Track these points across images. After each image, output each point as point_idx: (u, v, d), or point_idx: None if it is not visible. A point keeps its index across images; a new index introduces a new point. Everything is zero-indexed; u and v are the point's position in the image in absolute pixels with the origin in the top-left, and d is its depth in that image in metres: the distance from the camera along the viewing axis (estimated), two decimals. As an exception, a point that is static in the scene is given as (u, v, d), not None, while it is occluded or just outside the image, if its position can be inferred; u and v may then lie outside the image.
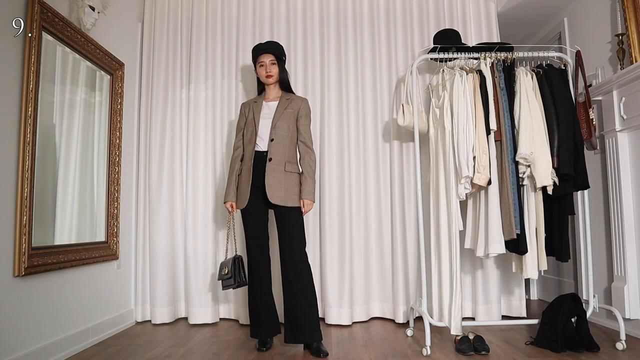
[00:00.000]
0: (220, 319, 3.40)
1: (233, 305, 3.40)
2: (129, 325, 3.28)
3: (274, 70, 2.74)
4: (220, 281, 2.75)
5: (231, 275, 2.67)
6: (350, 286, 3.26)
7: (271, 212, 2.85)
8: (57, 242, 2.51)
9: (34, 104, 2.30)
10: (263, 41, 3.48)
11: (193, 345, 2.74)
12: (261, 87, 2.85)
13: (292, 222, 2.59)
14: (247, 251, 2.70)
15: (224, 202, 2.73)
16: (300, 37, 3.52)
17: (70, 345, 2.56)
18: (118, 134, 3.17)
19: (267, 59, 2.73)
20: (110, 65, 3.09)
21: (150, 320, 3.37)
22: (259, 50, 2.76)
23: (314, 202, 2.68)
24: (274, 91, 2.80)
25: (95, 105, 2.94)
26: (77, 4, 2.73)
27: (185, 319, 3.42)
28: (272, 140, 2.63)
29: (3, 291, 2.11)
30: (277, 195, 2.57)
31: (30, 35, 2.27)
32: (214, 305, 3.32)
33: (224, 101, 3.50)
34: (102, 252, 2.94)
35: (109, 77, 3.09)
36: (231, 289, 2.84)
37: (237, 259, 2.69)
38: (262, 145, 2.67)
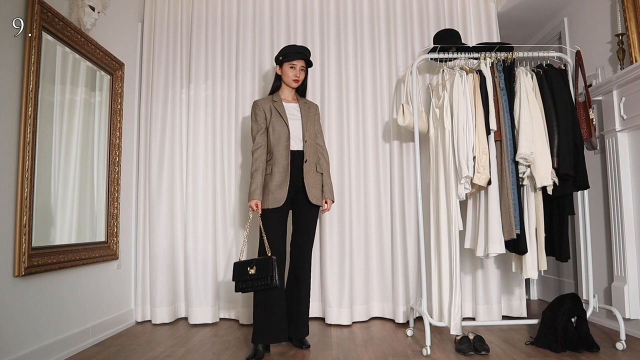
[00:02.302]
0: (220, 319, 3.40)
1: (233, 305, 3.40)
2: (129, 325, 3.28)
3: (302, 76, 2.79)
4: (236, 283, 2.50)
5: (269, 272, 2.41)
6: (350, 286, 3.27)
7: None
8: (57, 242, 2.51)
9: (34, 104, 2.30)
10: (263, 41, 3.50)
11: (193, 345, 2.74)
12: (276, 86, 2.84)
13: (313, 220, 2.76)
14: (271, 252, 2.59)
15: (250, 200, 2.58)
16: (300, 37, 3.53)
17: (70, 345, 2.56)
18: (118, 134, 3.17)
19: (300, 63, 2.77)
20: (110, 65, 3.09)
21: (150, 320, 3.37)
22: (295, 53, 2.75)
23: (332, 201, 2.86)
24: (291, 93, 2.84)
25: (95, 105, 2.94)
26: (77, 4, 2.73)
27: (185, 319, 3.42)
28: (306, 141, 2.72)
29: (3, 291, 2.11)
30: (314, 195, 2.72)
31: (30, 35, 2.27)
32: (214, 305, 3.32)
33: (224, 101, 3.50)
34: (102, 252, 2.94)
35: (109, 77, 3.09)
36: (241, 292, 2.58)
37: (273, 259, 2.45)
38: (295, 145, 2.71)
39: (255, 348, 2.50)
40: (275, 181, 2.63)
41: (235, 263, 2.53)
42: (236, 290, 2.50)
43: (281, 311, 2.56)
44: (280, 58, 2.78)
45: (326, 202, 2.81)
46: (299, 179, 2.69)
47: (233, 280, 2.51)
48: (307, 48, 2.83)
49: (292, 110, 2.78)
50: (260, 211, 2.60)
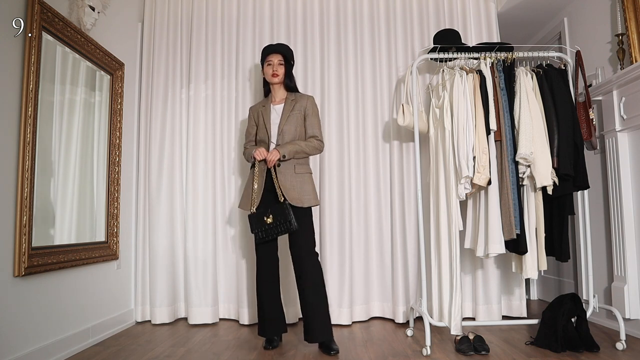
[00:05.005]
0: (220, 319, 3.40)
1: (233, 305, 3.40)
2: (129, 325, 3.28)
3: (281, 70, 2.76)
4: (256, 234, 2.59)
5: (288, 217, 2.52)
6: (350, 286, 3.26)
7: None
8: (57, 242, 2.51)
9: (34, 104, 2.30)
10: (263, 41, 3.50)
11: (193, 345, 2.74)
12: (267, 89, 2.88)
13: (301, 222, 2.60)
14: (257, 252, 2.71)
15: (254, 152, 2.63)
16: (300, 37, 3.52)
17: (70, 345, 2.56)
18: (118, 134, 3.17)
19: (276, 58, 2.77)
20: (110, 65, 3.09)
21: (150, 320, 3.37)
22: (268, 50, 2.79)
23: (281, 156, 2.59)
24: (279, 93, 2.82)
25: (95, 105, 2.94)
26: (77, 4, 2.73)
27: (185, 319, 3.42)
28: (279, 144, 2.68)
29: (3, 291, 2.11)
30: (292, 197, 2.60)
31: (30, 35, 2.27)
32: (213, 305, 3.32)
33: (224, 101, 3.50)
34: (102, 252, 2.94)
35: (109, 77, 3.09)
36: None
37: (287, 204, 2.55)
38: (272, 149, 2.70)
39: (267, 338, 2.69)
40: (255, 186, 2.67)
41: (250, 215, 2.63)
42: (257, 242, 2.62)
43: (274, 309, 2.70)
44: (261, 61, 2.83)
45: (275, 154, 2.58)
46: (272, 182, 2.66)
47: (252, 232, 2.61)
48: (282, 44, 2.82)
49: (275, 114, 2.77)
50: (267, 154, 2.59)
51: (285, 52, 2.77)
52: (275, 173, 2.63)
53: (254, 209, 2.64)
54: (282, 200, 2.59)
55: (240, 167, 3.44)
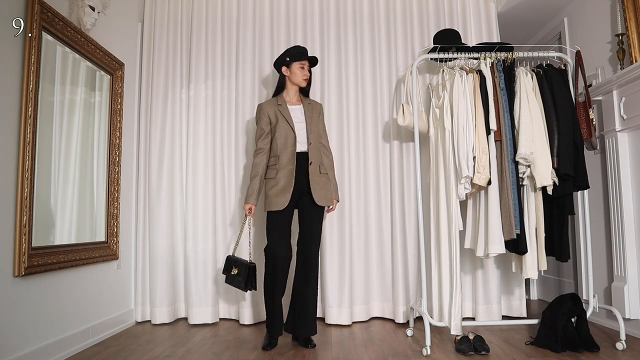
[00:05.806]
0: (220, 319, 3.40)
1: (233, 305, 3.40)
2: (129, 325, 3.28)
3: (309, 76, 2.85)
4: (225, 275, 2.82)
5: (242, 279, 2.72)
6: (350, 286, 3.26)
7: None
8: (57, 242, 2.51)
9: (34, 104, 2.30)
10: (263, 41, 3.51)
11: (193, 346, 2.74)
12: (280, 89, 2.86)
13: (317, 220, 2.76)
14: (274, 250, 2.65)
15: (245, 204, 2.75)
16: (301, 37, 3.53)
17: (70, 345, 2.56)
18: (118, 134, 3.17)
19: (306, 64, 2.84)
20: (110, 65, 3.09)
21: (150, 320, 3.37)
22: (302, 53, 2.82)
23: (338, 201, 2.92)
24: (295, 95, 2.87)
25: (95, 105, 2.94)
26: (77, 4, 2.73)
27: (185, 319, 3.42)
28: (310, 144, 2.74)
29: (3, 291, 2.11)
30: (321, 197, 2.73)
31: (30, 35, 2.27)
32: (213, 306, 3.32)
33: (224, 101, 3.50)
34: (102, 252, 2.94)
35: (109, 77, 3.09)
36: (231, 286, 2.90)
37: (252, 268, 2.73)
38: (300, 148, 2.75)
39: (267, 337, 2.72)
40: (280, 185, 2.69)
41: (228, 257, 2.85)
42: (225, 282, 2.85)
43: (278, 309, 2.72)
44: (288, 59, 2.81)
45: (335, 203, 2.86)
46: (304, 181, 2.72)
47: (223, 273, 2.85)
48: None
49: (296, 113, 2.80)
50: (253, 215, 2.79)
51: (313, 61, 2.87)
52: (308, 175, 2.72)
53: (235, 253, 2.89)
54: (249, 261, 2.76)
55: (242, 167, 3.44)
